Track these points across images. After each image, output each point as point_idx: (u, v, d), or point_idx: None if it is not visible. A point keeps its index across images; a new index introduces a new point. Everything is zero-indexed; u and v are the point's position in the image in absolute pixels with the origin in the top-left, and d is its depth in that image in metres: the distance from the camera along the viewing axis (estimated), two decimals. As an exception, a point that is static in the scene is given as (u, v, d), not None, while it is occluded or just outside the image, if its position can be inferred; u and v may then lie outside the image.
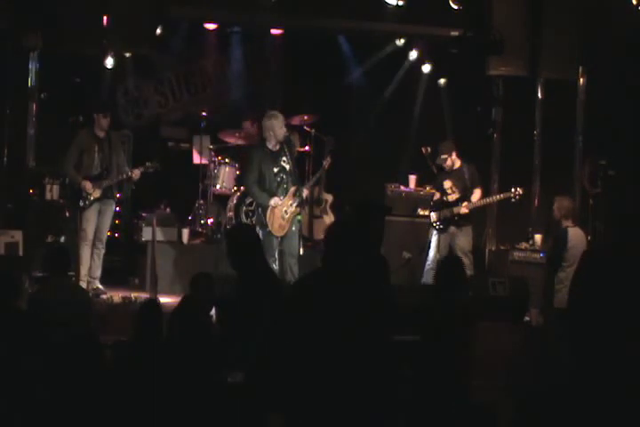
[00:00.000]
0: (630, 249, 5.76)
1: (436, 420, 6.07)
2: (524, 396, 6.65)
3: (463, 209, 9.86)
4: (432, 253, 9.89)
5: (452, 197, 9.91)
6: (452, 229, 9.90)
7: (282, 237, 9.40)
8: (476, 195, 9.98)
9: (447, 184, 9.93)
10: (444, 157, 9.94)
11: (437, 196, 10.09)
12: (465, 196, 9.90)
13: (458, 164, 9.98)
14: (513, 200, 9.94)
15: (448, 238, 9.89)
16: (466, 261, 9.62)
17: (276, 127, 9.30)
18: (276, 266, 9.33)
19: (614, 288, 5.61)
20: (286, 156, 9.38)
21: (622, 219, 6.13)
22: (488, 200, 10.09)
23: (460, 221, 9.88)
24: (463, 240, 9.90)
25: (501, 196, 10.07)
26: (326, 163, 9.81)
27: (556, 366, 7.35)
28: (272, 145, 9.37)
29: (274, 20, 11.12)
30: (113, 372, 5.89)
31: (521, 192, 9.85)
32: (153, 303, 6.46)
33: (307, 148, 11.18)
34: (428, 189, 10.96)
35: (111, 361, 6.00)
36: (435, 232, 9.97)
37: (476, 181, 10.06)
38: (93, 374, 5.84)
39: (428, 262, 9.91)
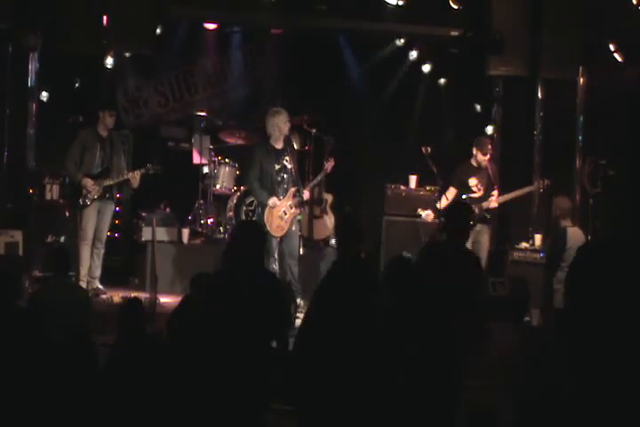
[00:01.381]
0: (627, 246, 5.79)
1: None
2: (524, 396, 6.65)
3: (493, 204, 9.75)
4: None
5: (477, 195, 9.84)
6: (479, 226, 9.80)
7: (282, 238, 9.41)
8: (495, 193, 9.91)
9: (473, 182, 9.84)
10: (489, 147, 9.88)
11: (454, 192, 9.92)
12: (489, 194, 9.84)
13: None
14: (541, 191, 9.91)
15: (472, 236, 9.81)
16: (484, 258, 9.65)
17: (281, 123, 9.35)
18: (275, 266, 9.33)
19: (613, 286, 5.63)
20: (289, 155, 9.41)
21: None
22: (516, 193, 9.92)
23: (487, 217, 9.80)
24: (487, 238, 9.82)
25: (529, 188, 9.99)
26: (329, 165, 9.78)
27: (555, 366, 7.35)
28: (276, 142, 9.40)
29: (274, 20, 11.12)
30: (109, 372, 5.90)
31: (548, 183, 9.84)
32: (135, 303, 6.47)
33: (306, 147, 11.19)
34: (427, 188, 10.95)
35: (109, 361, 6.02)
36: None
37: (497, 180, 10.00)
38: (90, 375, 5.86)
39: None
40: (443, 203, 9.94)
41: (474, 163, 9.86)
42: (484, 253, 9.76)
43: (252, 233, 5.96)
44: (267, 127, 9.42)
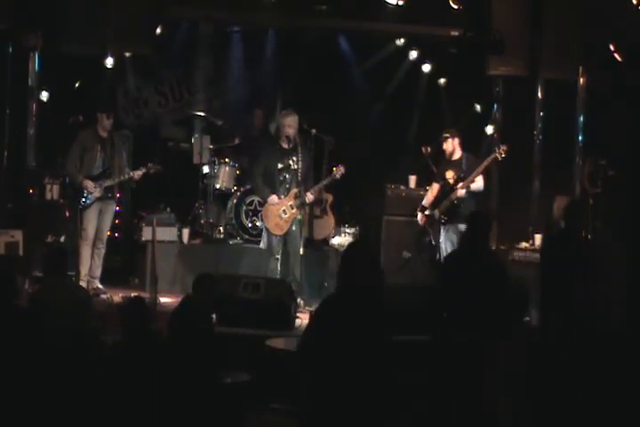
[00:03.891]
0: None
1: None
2: (524, 395, 6.66)
3: (459, 192, 9.69)
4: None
5: (453, 182, 9.80)
6: (447, 226, 9.75)
7: (286, 238, 9.43)
8: (478, 181, 9.83)
9: (449, 174, 9.83)
10: (445, 135, 9.84)
11: (437, 187, 9.94)
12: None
13: (459, 154, 9.91)
14: (500, 159, 9.81)
15: (451, 236, 9.77)
16: None
17: (282, 126, 9.40)
18: (278, 266, 9.35)
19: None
20: (297, 156, 9.42)
21: None
22: (478, 170, 9.77)
23: (458, 209, 9.73)
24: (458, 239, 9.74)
25: (488, 160, 9.83)
26: (338, 173, 9.71)
27: (555, 366, 7.35)
28: (283, 142, 9.46)
29: (274, 20, 11.12)
30: (112, 371, 5.90)
31: (506, 148, 9.74)
32: (138, 301, 6.46)
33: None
34: (427, 188, 10.94)
35: (111, 361, 6.02)
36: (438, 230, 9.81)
37: (475, 169, 9.91)
38: (94, 374, 5.86)
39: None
40: (429, 199, 9.96)
41: (446, 157, 9.92)
42: None
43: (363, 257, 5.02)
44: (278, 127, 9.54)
